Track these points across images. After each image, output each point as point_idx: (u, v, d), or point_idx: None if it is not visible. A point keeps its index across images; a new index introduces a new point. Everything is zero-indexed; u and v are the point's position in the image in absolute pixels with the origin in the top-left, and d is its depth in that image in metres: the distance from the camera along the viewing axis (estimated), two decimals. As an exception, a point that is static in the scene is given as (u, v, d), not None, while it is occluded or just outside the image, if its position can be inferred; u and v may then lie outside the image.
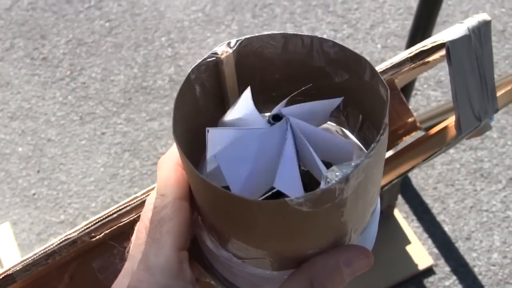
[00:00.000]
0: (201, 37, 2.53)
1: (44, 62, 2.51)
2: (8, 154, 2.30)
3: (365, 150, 0.44)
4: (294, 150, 0.38)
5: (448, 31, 0.61)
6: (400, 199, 2.07)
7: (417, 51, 0.59)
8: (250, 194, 0.38)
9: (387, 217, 1.98)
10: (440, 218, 2.06)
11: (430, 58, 0.71)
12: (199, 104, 0.42)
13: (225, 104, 0.45)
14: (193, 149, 0.40)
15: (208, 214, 0.40)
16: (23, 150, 2.31)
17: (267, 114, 0.42)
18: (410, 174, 2.12)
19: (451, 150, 2.18)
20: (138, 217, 0.45)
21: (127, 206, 0.52)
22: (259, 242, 0.38)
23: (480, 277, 1.96)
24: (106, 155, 2.25)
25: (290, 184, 0.37)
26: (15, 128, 2.37)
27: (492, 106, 0.66)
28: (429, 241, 2.01)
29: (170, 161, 0.42)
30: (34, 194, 2.21)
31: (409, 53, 0.59)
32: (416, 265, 1.93)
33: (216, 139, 0.38)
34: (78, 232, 0.52)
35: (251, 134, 0.39)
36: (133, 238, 0.43)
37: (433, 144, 0.65)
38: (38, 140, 2.33)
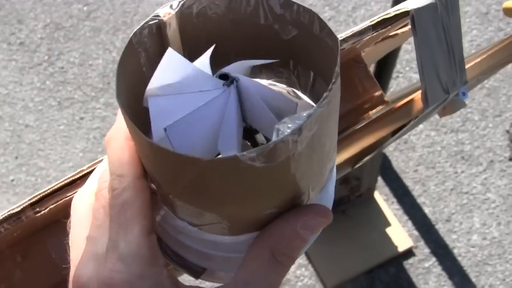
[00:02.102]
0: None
1: (21, 47, 2.48)
2: (-15, 140, 2.28)
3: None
4: (235, 111, 0.37)
5: (412, 0, 0.59)
6: (380, 181, 2.06)
7: (379, 19, 0.57)
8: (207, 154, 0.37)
9: (367, 199, 1.97)
10: (420, 200, 2.05)
11: (399, 31, 0.70)
12: (144, 71, 0.40)
13: None
14: (139, 120, 0.38)
15: (160, 181, 0.38)
16: (0, 136, 2.28)
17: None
18: (391, 157, 2.11)
19: (432, 133, 2.17)
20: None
21: (72, 180, 0.50)
22: (213, 204, 0.37)
23: (459, 259, 1.96)
24: (84, 140, 2.23)
25: (229, 145, 0.36)
26: (-7, 113, 2.35)
27: (460, 78, 0.65)
28: (409, 223, 2.01)
29: (120, 137, 0.40)
30: (12, 180, 2.18)
31: (371, 21, 0.57)
32: (396, 247, 1.93)
33: (159, 108, 0.37)
34: (21, 206, 0.50)
35: (196, 98, 0.37)
36: (79, 214, 0.41)
37: (399, 116, 0.63)
38: (16, 126, 2.30)
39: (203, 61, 0.40)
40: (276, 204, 0.37)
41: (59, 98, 2.35)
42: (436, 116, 2.15)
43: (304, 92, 0.44)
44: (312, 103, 0.44)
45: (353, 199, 1.92)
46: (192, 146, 0.37)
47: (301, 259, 1.94)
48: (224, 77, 0.38)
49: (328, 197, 0.44)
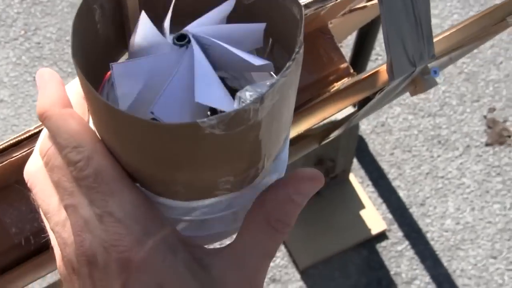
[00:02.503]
0: (159, -2, 2.48)
1: (-4, 21, 2.45)
2: (-41, 114, 2.25)
3: (275, 75, 0.42)
4: (206, 60, 0.36)
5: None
6: (356, 164, 2.06)
7: (344, -14, 0.56)
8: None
9: (342, 181, 1.97)
10: (395, 183, 2.05)
11: (368, 3, 0.69)
12: (99, 30, 0.39)
13: (125, 31, 0.42)
14: (92, 82, 0.37)
15: (115, 146, 0.37)
16: (-26, 110, 2.26)
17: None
18: (367, 140, 2.11)
19: (410, 116, 2.17)
20: (31, 151, 0.42)
21: (19, 140, 0.49)
22: (170, 170, 0.36)
23: (432, 243, 1.96)
24: (59, 116, 2.21)
25: (216, 95, 0.35)
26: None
27: (428, 51, 0.63)
28: (384, 206, 2.01)
29: (57, 108, 0.38)
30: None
31: (335, -13, 0.56)
32: (369, 230, 1.93)
33: (123, 74, 0.36)
34: (-32, 166, 0.48)
35: (159, 61, 0.36)
36: (43, 186, 0.39)
37: (362, 87, 0.62)
38: (-9, 100, 2.28)
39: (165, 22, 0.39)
40: (231, 172, 0.36)
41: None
42: (414, 99, 2.16)
43: (262, 56, 0.42)
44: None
45: (327, 180, 1.92)
46: (171, 109, 0.36)
47: (274, 240, 1.94)
48: (182, 37, 0.37)
49: (282, 165, 0.43)
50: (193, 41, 0.37)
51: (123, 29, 0.42)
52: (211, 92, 0.35)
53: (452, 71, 2.27)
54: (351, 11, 0.68)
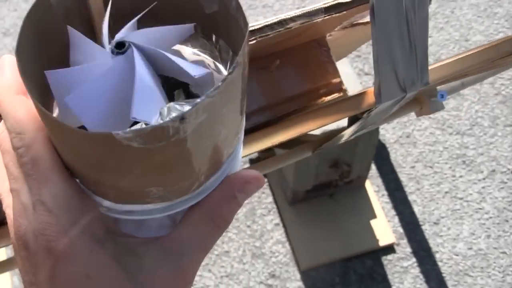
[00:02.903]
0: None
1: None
2: (-8, 66, 2.28)
3: None
4: (148, 73, 0.37)
5: (377, -13, 0.56)
6: (374, 171, 2.03)
7: (334, 2, 0.54)
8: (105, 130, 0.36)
9: (357, 187, 1.95)
10: (411, 197, 2.02)
11: (367, 19, 0.66)
12: (60, 24, 0.39)
13: (94, 28, 0.42)
14: (40, 81, 0.38)
15: (52, 140, 0.38)
16: (8, 64, 2.28)
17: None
18: (390, 149, 2.08)
19: (437, 131, 2.13)
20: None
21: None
22: (96, 173, 0.36)
23: (440, 264, 1.93)
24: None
25: (149, 109, 0.35)
26: (7, 44, 2.36)
27: (421, 78, 0.61)
28: (396, 219, 1.98)
29: (9, 92, 0.39)
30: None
31: (324, 4, 0.54)
32: (377, 240, 1.90)
33: (59, 82, 0.36)
34: None
35: (95, 69, 0.36)
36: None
37: (347, 107, 0.60)
38: (25, 56, 2.30)
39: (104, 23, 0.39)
40: (159, 183, 0.36)
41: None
42: (445, 115, 2.12)
43: (225, 67, 0.43)
44: None
45: (341, 184, 1.90)
46: (98, 116, 0.36)
47: (280, 236, 1.92)
48: (120, 45, 0.37)
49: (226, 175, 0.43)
50: (134, 51, 0.37)
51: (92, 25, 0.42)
52: (148, 108, 0.36)
53: (488, 91, 2.22)
54: (353, 25, 0.66)
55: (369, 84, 2.13)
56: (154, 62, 0.38)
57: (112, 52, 0.37)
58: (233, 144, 0.40)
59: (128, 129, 0.30)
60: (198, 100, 0.31)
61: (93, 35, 0.42)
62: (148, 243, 0.39)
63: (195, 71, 0.37)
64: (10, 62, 0.41)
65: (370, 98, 0.61)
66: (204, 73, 0.37)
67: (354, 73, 1.88)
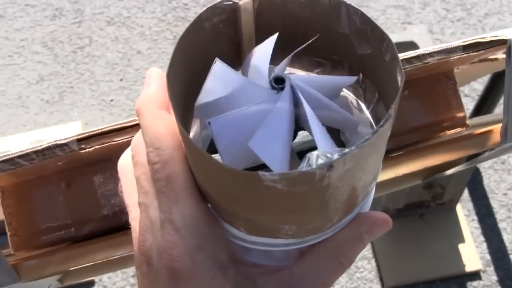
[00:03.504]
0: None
1: (152, -25, 2.53)
2: (96, 57, 2.34)
3: (375, 128, 0.42)
4: (287, 120, 0.37)
5: (516, 29, 0.56)
6: (466, 195, 2.00)
7: (473, 41, 0.55)
8: (282, 169, 0.37)
9: (448, 210, 1.92)
10: (502, 225, 1.98)
11: (499, 56, 0.67)
12: (209, 47, 0.40)
13: (241, 51, 0.44)
14: (186, 103, 0.39)
15: (190, 163, 0.38)
16: (112, 56, 2.34)
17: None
18: (483, 173, 2.05)
19: (534, 160, 2.09)
20: (132, 139, 0.44)
21: (122, 126, 0.51)
22: (233, 206, 0.37)
23: (526, 295, 1.89)
24: (188, 80, 2.26)
25: (277, 158, 0.36)
26: (110, 33, 2.40)
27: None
28: (484, 245, 1.94)
29: (152, 106, 0.40)
30: (112, 100, 2.24)
31: (463, 42, 0.55)
32: (463, 266, 1.87)
33: (223, 128, 0.37)
34: (68, 139, 0.51)
35: (256, 110, 0.37)
36: (127, 180, 0.42)
37: (472, 144, 0.61)
38: (129, 50, 2.35)
39: (266, 50, 0.40)
40: (293, 222, 0.37)
41: (175, 33, 2.39)
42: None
43: (367, 106, 0.43)
44: (371, 120, 0.43)
45: (433, 206, 1.88)
46: (277, 155, 0.37)
47: (366, 251, 1.92)
48: (279, 80, 0.38)
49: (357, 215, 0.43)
50: (288, 92, 0.38)
51: (239, 49, 0.43)
52: (327, 143, 0.37)
53: None
54: (480, 61, 0.66)
55: (468, 107, 2.10)
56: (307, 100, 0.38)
57: (273, 88, 0.38)
58: (369, 188, 0.40)
59: (275, 172, 0.31)
60: (347, 150, 0.31)
61: (239, 59, 0.44)
62: (268, 274, 0.39)
63: (352, 120, 0.38)
64: (157, 76, 0.42)
65: (496, 137, 0.61)
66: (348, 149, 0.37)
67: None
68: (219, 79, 0.38)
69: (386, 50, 0.37)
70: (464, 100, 2.14)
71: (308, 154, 0.34)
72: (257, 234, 0.38)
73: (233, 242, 0.40)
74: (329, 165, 0.31)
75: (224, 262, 0.38)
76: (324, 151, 0.34)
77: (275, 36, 0.39)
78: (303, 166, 0.34)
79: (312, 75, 0.41)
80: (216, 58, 0.38)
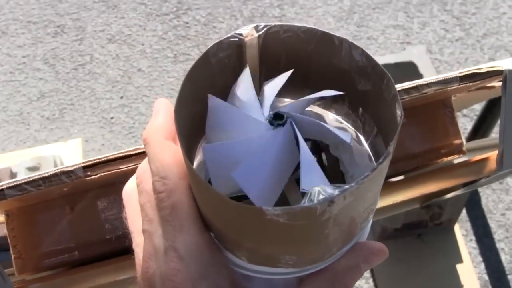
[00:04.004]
0: (311, 5, 2.50)
1: (154, -6, 2.55)
2: (97, 74, 2.35)
3: (373, 161, 0.43)
4: (306, 147, 0.38)
5: (511, 60, 0.58)
6: (464, 215, 2.01)
7: (470, 72, 0.56)
8: (266, 201, 0.38)
9: (446, 230, 1.93)
10: (500, 245, 1.99)
11: (496, 84, 0.68)
12: (215, 80, 0.41)
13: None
14: (192, 132, 0.40)
15: (195, 194, 0.39)
16: (112, 73, 2.35)
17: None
18: (481, 194, 2.05)
19: (532, 181, 2.10)
20: (137, 167, 0.44)
21: (127, 155, 0.52)
22: (236, 236, 0.38)
23: (523, 316, 1.89)
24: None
25: (316, 181, 0.37)
26: (111, 51, 2.42)
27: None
28: (482, 266, 1.95)
29: (159, 136, 0.41)
30: (112, 118, 2.25)
31: (460, 73, 0.56)
32: (461, 286, 1.88)
33: (214, 154, 0.38)
34: (74, 167, 0.52)
35: (252, 142, 0.38)
36: (132, 207, 0.43)
37: (469, 172, 0.62)
38: (129, 67, 2.37)
39: (276, 85, 0.41)
40: (294, 253, 0.38)
41: (176, 51, 2.40)
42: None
43: (366, 139, 0.44)
44: (370, 153, 0.44)
45: (431, 226, 1.88)
46: (259, 185, 0.38)
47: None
48: (279, 116, 0.39)
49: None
50: (293, 123, 0.39)
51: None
52: (312, 179, 0.37)
53: None
54: (477, 89, 0.68)
55: (466, 126, 2.11)
56: (301, 126, 0.39)
57: (271, 123, 0.39)
58: (368, 218, 0.41)
59: (278, 207, 0.32)
60: (347, 186, 0.32)
61: None
62: None
63: (346, 137, 0.39)
64: (164, 106, 0.42)
65: (492, 165, 0.62)
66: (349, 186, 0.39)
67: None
68: (215, 115, 0.39)
69: (386, 88, 0.38)
70: (463, 120, 2.16)
71: (310, 190, 0.35)
72: (258, 263, 0.39)
73: (235, 270, 0.41)
74: (330, 201, 0.32)
75: None
76: (327, 186, 0.35)
77: (289, 73, 0.41)
78: (305, 202, 0.35)
79: (302, 99, 0.42)
80: (209, 94, 0.39)
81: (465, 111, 2.20)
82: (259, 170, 0.37)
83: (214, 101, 0.39)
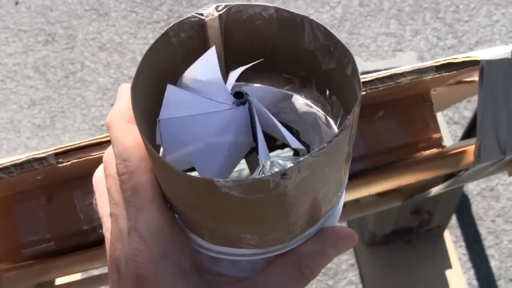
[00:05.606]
0: (303, 12, 2.49)
1: (144, 2, 2.55)
2: (88, 82, 2.36)
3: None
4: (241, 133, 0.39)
5: (488, 51, 0.58)
6: (454, 222, 2.01)
7: (446, 62, 0.56)
8: (222, 173, 0.38)
9: (436, 236, 1.93)
10: (489, 252, 1.99)
11: (476, 78, 0.68)
12: (178, 63, 0.41)
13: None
14: (150, 115, 0.39)
15: (156, 173, 0.39)
16: (103, 81, 2.35)
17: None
18: (472, 200, 2.06)
19: (522, 187, 2.10)
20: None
21: (99, 141, 0.52)
22: (195, 214, 0.38)
23: (513, 322, 1.89)
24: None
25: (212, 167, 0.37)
26: (102, 58, 2.42)
27: (522, 141, 0.62)
28: (471, 272, 1.95)
29: (121, 120, 0.41)
30: (102, 125, 2.25)
31: (436, 62, 0.56)
32: (450, 292, 1.88)
33: (170, 128, 0.38)
34: (46, 153, 0.52)
35: (212, 118, 0.38)
36: (101, 193, 0.43)
37: (446, 163, 0.62)
38: (120, 75, 2.37)
39: (214, 64, 0.40)
40: (254, 231, 0.37)
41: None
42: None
43: (335, 122, 0.44)
44: None
45: (421, 231, 1.88)
46: (212, 162, 0.38)
47: (354, 277, 1.92)
48: (239, 95, 0.39)
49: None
50: (252, 104, 0.39)
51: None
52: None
53: None
54: (457, 83, 0.68)
55: (457, 134, 2.12)
56: (259, 118, 0.39)
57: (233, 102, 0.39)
58: (332, 201, 0.40)
59: (229, 178, 0.32)
60: (302, 158, 0.32)
61: None
62: (232, 283, 0.40)
63: (294, 143, 0.38)
64: (127, 91, 0.42)
65: (469, 157, 0.62)
66: (299, 147, 0.38)
67: (443, 122, 1.88)
68: (175, 104, 0.38)
69: (348, 65, 0.38)
70: (454, 127, 2.16)
71: (263, 162, 0.35)
72: (220, 243, 0.39)
73: (202, 252, 0.40)
74: (283, 173, 0.32)
75: (188, 270, 0.38)
76: (278, 159, 0.35)
77: (213, 48, 0.39)
78: (257, 174, 0.35)
79: (258, 86, 0.42)
80: (168, 84, 0.38)
81: (456, 118, 2.20)
82: (216, 154, 0.37)
83: (172, 91, 0.38)
